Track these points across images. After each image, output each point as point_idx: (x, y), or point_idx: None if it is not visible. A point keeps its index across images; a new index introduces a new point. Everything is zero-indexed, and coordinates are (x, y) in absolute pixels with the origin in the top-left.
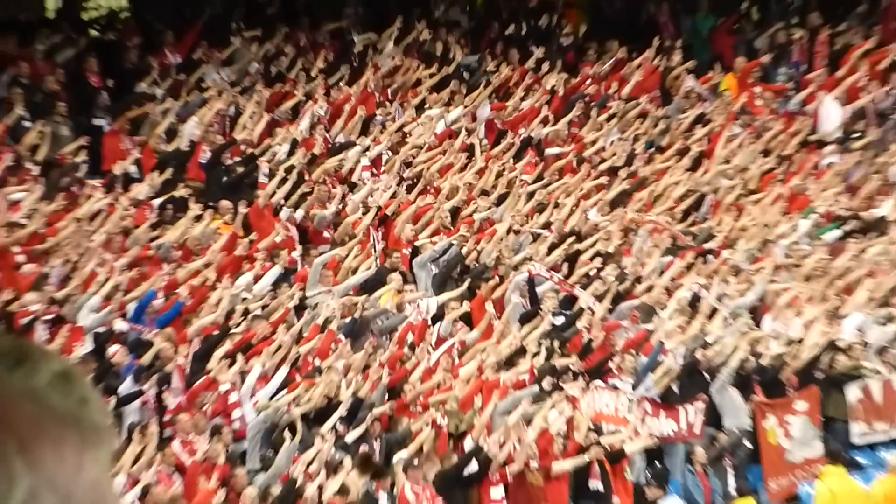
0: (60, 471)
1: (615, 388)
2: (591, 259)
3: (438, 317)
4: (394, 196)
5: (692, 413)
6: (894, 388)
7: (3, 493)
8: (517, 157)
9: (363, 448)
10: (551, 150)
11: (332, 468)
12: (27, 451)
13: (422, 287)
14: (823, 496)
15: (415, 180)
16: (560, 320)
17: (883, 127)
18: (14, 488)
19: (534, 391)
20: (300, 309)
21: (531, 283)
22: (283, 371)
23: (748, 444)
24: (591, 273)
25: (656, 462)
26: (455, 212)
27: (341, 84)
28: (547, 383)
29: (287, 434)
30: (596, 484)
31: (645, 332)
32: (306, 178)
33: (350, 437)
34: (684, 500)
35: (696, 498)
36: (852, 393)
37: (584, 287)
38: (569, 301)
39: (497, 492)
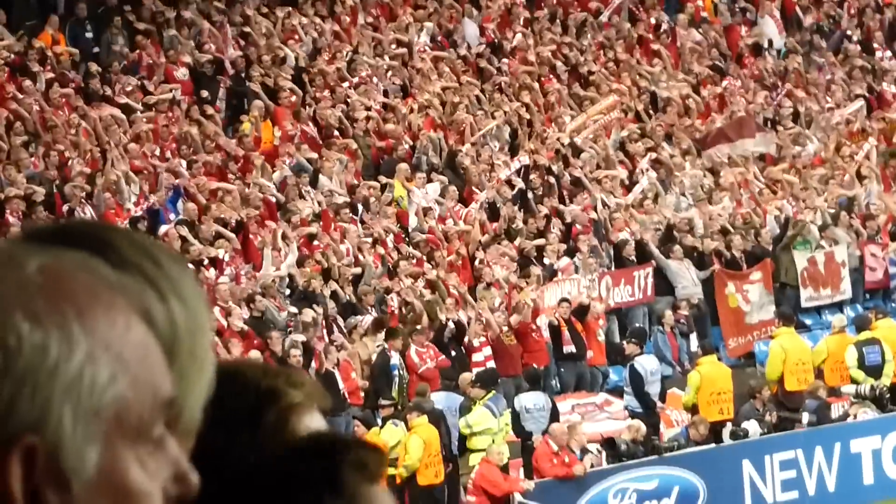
0: (112, 333)
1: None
2: None
3: None
4: None
5: (642, 277)
6: (835, 259)
7: (65, 356)
8: None
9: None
10: None
11: (348, 330)
12: (83, 317)
13: None
14: (776, 353)
15: None
16: None
17: None
18: (74, 351)
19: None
20: None
21: None
22: None
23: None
24: None
25: (626, 324)
26: None
27: None
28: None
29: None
30: (569, 348)
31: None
32: None
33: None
34: (656, 357)
35: (665, 355)
36: (800, 262)
37: None
38: None
39: (480, 354)
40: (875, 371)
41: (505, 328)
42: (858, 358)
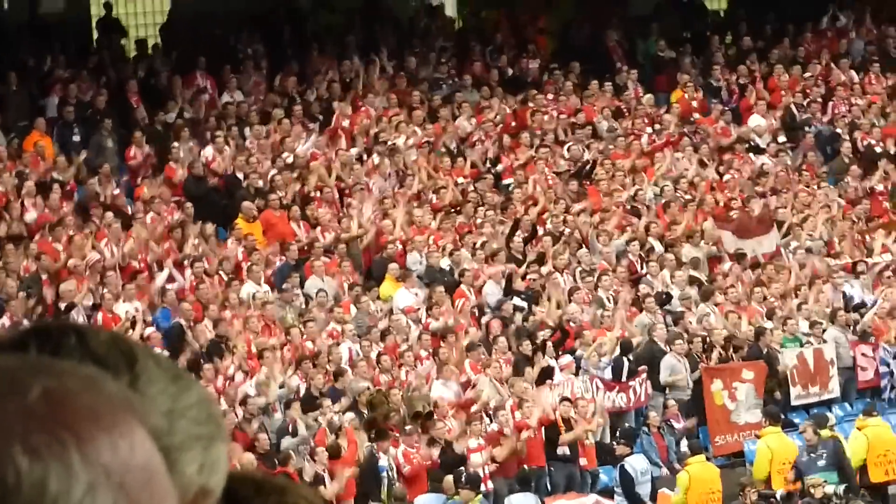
0: (114, 459)
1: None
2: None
3: None
4: None
5: (639, 385)
6: (824, 357)
7: (64, 491)
8: None
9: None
10: None
11: (334, 430)
12: (84, 445)
13: None
14: (763, 452)
15: None
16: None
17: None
18: (74, 486)
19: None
20: None
21: None
22: None
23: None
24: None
25: (615, 424)
26: None
27: None
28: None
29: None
30: (563, 449)
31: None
32: None
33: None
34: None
35: (652, 456)
36: (790, 360)
37: None
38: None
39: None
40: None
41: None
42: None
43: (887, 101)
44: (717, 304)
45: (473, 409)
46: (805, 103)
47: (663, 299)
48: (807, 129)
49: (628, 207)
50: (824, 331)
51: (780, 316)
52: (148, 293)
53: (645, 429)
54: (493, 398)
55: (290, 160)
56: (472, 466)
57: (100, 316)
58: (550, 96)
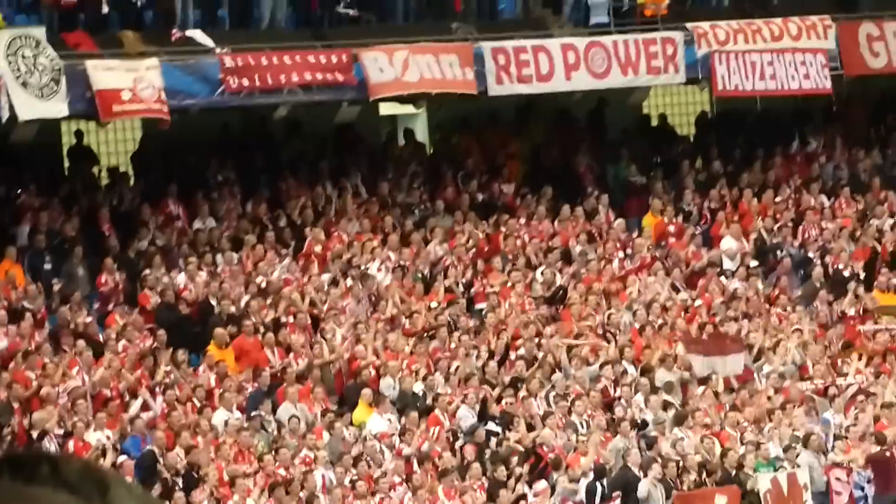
0: None
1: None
2: None
3: None
4: None
5: None
6: (798, 481)
7: None
8: None
9: None
10: None
11: None
12: None
13: None
14: None
15: None
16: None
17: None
18: None
19: None
20: None
21: None
22: None
23: None
24: None
25: None
26: None
27: None
28: None
29: None
30: None
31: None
32: None
33: None
34: None
35: None
36: (764, 484)
37: None
38: None
39: None
40: None
41: None
42: None
43: (857, 224)
44: (690, 429)
45: None
46: (776, 227)
47: (638, 424)
48: (778, 252)
49: (600, 332)
50: (798, 455)
51: (752, 440)
52: (120, 421)
53: None
54: None
55: (262, 285)
56: None
57: (71, 444)
58: (523, 220)
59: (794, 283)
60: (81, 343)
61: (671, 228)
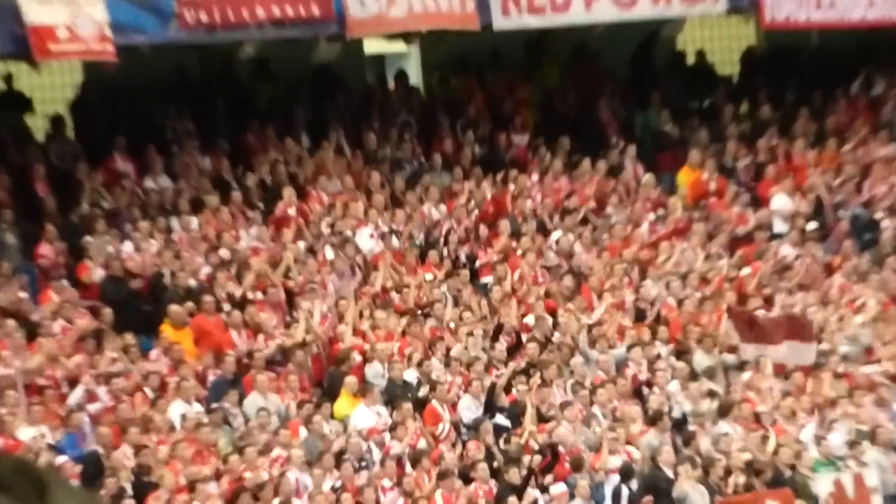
0: None
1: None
2: None
3: None
4: None
5: None
6: (864, 483)
7: None
8: None
9: None
10: None
11: None
12: None
13: None
14: None
15: None
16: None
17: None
18: None
19: None
20: None
21: None
22: None
23: None
24: None
25: None
26: None
27: None
28: None
29: None
30: None
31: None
32: None
33: None
34: None
35: None
36: (824, 487)
37: None
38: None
39: None
40: None
41: None
42: None
43: None
44: (735, 421)
45: None
46: (836, 184)
47: (676, 419)
48: (839, 213)
49: (627, 308)
50: (864, 452)
51: (810, 435)
52: (57, 415)
53: None
54: None
55: (226, 255)
56: None
57: (0, 441)
58: (535, 177)
59: (858, 248)
60: (11, 323)
61: (711, 186)
